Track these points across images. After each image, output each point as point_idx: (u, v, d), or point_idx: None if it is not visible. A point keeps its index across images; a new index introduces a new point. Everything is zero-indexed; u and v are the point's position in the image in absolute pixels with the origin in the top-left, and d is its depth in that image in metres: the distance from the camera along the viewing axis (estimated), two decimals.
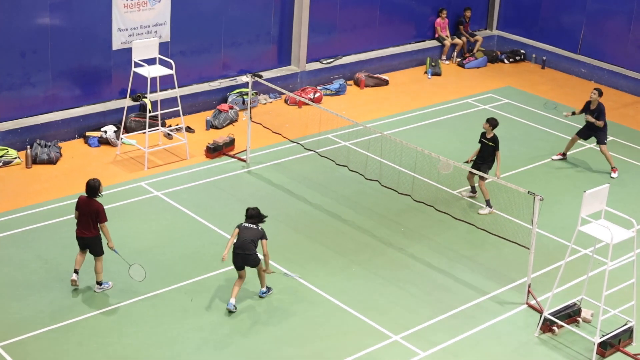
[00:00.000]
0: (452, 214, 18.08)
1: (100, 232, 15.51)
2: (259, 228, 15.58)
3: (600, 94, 21.52)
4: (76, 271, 15.76)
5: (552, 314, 15.47)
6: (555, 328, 15.47)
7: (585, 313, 15.87)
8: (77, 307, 15.31)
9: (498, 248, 17.84)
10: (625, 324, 15.35)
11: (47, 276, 16.14)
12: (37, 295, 15.58)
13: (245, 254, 15.36)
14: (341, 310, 15.81)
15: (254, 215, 15.70)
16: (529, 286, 16.28)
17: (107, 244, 15.57)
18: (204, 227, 18.13)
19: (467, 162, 19.48)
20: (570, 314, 15.73)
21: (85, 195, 15.47)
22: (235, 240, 15.44)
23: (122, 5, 21.96)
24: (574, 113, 22.19)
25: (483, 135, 19.44)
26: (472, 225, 17.63)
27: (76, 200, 15.62)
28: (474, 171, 18.61)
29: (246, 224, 15.58)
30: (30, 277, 16.10)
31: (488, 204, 19.46)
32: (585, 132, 21.94)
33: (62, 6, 21.13)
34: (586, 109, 21.72)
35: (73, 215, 15.81)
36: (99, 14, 21.73)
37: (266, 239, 15.54)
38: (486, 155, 19.40)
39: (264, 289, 15.96)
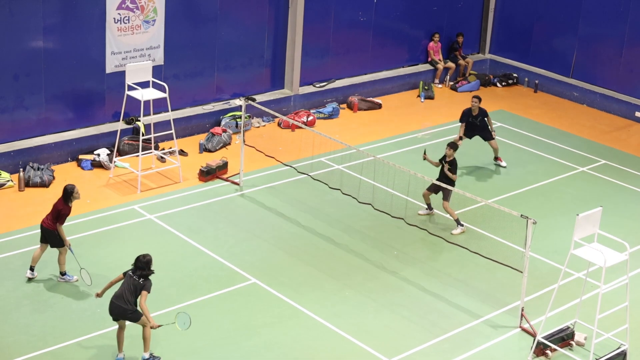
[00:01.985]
0: (445, 237, 18.09)
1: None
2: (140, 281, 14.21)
3: (480, 100, 22.59)
4: (32, 268, 16.66)
5: (546, 338, 15.45)
6: (548, 352, 15.46)
7: (578, 336, 15.86)
8: (70, 331, 15.24)
9: (491, 271, 17.84)
10: (619, 347, 15.34)
11: (38, 299, 16.09)
12: (29, 318, 15.52)
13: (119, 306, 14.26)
14: (334, 334, 15.77)
15: (141, 267, 14.30)
16: (522, 310, 16.27)
17: (65, 244, 16.46)
18: (197, 250, 18.10)
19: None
20: (564, 338, 15.72)
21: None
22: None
23: (116, 29, 22.00)
24: (461, 138, 22.43)
25: (444, 157, 19.61)
26: (466, 249, 17.63)
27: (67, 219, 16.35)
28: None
29: (130, 273, 14.31)
30: (21, 301, 16.04)
31: (458, 222, 19.51)
32: (470, 133, 22.83)
33: (55, 29, 21.16)
34: (467, 116, 22.61)
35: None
36: (93, 37, 21.77)
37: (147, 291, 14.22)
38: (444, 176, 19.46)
39: (146, 355, 14.56)
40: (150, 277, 14.24)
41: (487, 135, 22.88)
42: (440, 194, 19.52)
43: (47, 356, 14.65)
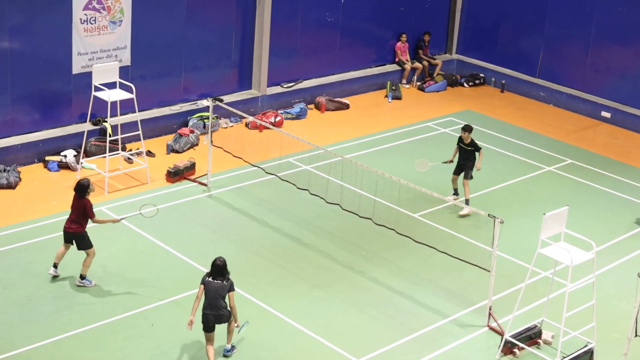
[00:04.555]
0: (413, 237, 18.12)
1: (85, 229, 16.40)
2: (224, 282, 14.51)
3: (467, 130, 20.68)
4: (55, 265, 16.63)
5: (513, 336, 15.52)
6: (516, 350, 15.53)
7: (546, 335, 15.95)
8: (35, 334, 15.15)
9: (459, 271, 17.90)
10: (586, 346, 15.44)
11: (5, 302, 15.98)
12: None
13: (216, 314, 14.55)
14: (303, 334, 15.78)
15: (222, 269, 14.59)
16: (490, 309, 16.34)
17: (113, 222, 17.03)
18: (164, 251, 18.05)
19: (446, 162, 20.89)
20: (531, 336, 15.80)
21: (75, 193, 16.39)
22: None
23: (83, 29, 21.89)
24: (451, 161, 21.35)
25: (461, 140, 20.58)
26: (433, 249, 17.68)
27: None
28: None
29: (211, 279, 14.50)
30: None
31: (467, 202, 20.13)
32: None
33: (21, 30, 21.03)
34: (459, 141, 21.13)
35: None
36: (59, 38, 21.65)
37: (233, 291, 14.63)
38: (468, 157, 20.57)
39: (229, 346, 15.09)
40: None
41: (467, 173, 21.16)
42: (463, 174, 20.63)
43: (12, 359, 14.57)
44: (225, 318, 14.57)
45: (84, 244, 16.44)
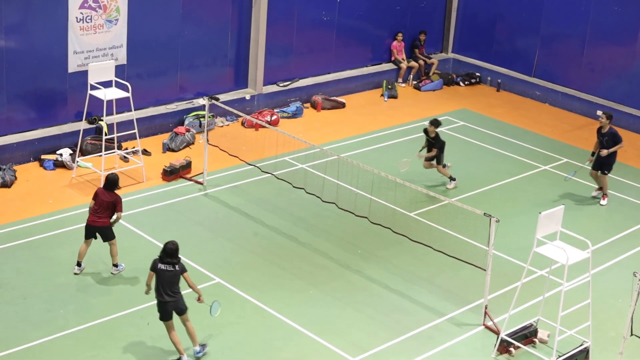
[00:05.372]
0: (409, 235, 18.13)
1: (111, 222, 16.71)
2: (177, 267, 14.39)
3: (609, 117, 21.42)
4: (79, 264, 16.84)
5: (509, 335, 15.53)
6: (512, 349, 15.54)
7: (541, 334, 15.96)
8: (30, 333, 15.14)
9: (455, 270, 17.91)
10: (581, 345, 15.46)
11: (0, 301, 15.95)
12: None
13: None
14: (299, 333, 15.77)
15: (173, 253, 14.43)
16: (486, 307, 16.35)
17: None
18: (160, 250, 18.00)
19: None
20: (527, 335, 15.81)
21: (104, 188, 16.71)
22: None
23: (78, 28, 21.87)
24: (593, 154, 21.67)
25: (426, 132, 21.58)
26: (429, 247, 17.68)
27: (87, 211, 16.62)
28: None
29: (163, 266, 14.35)
30: None
31: (451, 178, 21.70)
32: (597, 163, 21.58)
33: (17, 29, 21.00)
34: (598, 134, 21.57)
35: (88, 206, 16.75)
36: (55, 37, 21.63)
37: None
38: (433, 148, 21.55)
39: (197, 348, 14.84)
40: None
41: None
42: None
43: (9, 358, 14.53)
44: (182, 304, 14.42)
45: (110, 235, 16.79)
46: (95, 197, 16.65)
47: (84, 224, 16.76)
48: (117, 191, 16.81)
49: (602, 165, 21.40)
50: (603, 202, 21.59)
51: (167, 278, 14.28)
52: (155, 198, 20.19)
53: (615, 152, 21.41)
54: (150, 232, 18.60)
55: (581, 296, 16.10)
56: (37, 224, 18.59)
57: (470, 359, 15.50)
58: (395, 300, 17.04)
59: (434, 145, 21.46)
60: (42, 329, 15.23)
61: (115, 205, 16.62)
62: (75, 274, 16.82)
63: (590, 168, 21.74)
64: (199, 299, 14.69)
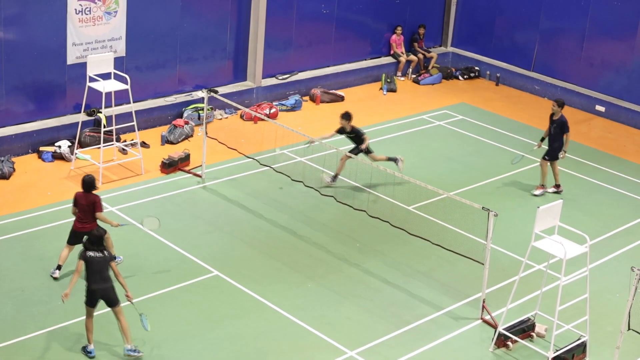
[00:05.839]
0: (407, 229, 18.13)
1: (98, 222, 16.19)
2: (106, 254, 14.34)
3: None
4: (59, 267, 16.40)
5: (507, 329, 15.55)
6: (509, 343, 15.56)
7: (539, 328, 15.98)
8: (28, 325, 15.14)
9: (453, 264, 17.92)
10: (579, 339, 15.47)
11: None
12: None
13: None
14: (297, 326, 15.79)
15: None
16: (484, 301, 16.36)
17: (112, 225, 16.33)
18: (159, 242, 18.04)
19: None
20: (525, 329, 15.82)
21: (82, 190, 16.12)
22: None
23: (77, 20, 21.85)
24: (542, 140, 21.78)
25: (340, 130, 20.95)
26: (427, 241, 17.69)
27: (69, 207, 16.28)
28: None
29: (91, 254, 14.24)
30: None
31: (336, 175, 20.75)
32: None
33: (16, 20, 20.98)
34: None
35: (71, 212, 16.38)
36: (54, 28, 21.60)
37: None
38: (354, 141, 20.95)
39: (130, 346, 14.54)
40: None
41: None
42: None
43: (8, 349, 14.53)
44: (112, 294, 14.31)
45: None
46: (75, 202, 16.15)
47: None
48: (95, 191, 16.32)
49: (547, 151, 21.39)
50: (536, 192, 21.43)
51: (96, 265, 14.18)
52: (154, 190, 20.18)
53: (561, 140, 21.21)
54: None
55: (579, 290, 16.13)
56: (36, 216, 18.59)
57: (467, 352, 15.52)
58: (393, 293, 17.05)
59: (358, 138, 20.78)
60: (41, 321, 15.23)
61: (94, 206, 16.10)
62: (55, 277, 16.38)
63: (540, 156, 21.58)
64: (127, 295, 14.51)
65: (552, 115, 21.23)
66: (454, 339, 15.83)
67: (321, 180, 20.71)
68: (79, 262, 14.25)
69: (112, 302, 14.40)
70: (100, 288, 14.24)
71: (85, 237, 14.74)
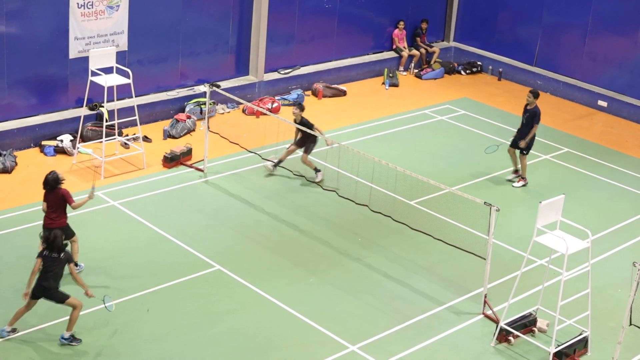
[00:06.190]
0: (409, 224, 18.14)
1: (67, 221, 16.06)
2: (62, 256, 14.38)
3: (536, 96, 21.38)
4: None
5: (508, 324, 15.55)
6: (511, 338, 15.56)
7: (541, 323, 15.98)
8: (30, 318, 15.14)
9: (455, 258, 17.92)
10: (580, 334, 15.47)
11: (0, 286, 15.97)
12: None
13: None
14: (298, 321, 15.79)
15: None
16: (485, 296, 16.36)
17: (90, 199, 16.19)
18: (160, 237, 18.05)
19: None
20: (526, 324, 15.83)
21: (46, 190, 15.93)
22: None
23: (79, 14, 21.84)
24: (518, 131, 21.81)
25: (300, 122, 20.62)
26: (429, 236, 17.69)
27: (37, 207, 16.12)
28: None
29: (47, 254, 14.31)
30: None
31: (316, 170, 20.69)
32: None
33: (18, 14, 20.97)
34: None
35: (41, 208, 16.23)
36: (56, 23, 21.60)
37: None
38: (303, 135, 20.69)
39: (68, 335, 14.63)
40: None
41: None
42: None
43: (12, 342, 14.55)
44: (56, 294, 14.35)
45: (70, 233, 16.15)
46: (45, 198, 15.99)
47: (85, 210, 16.70)
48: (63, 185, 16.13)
49: (513, 140, 21.50)
50: (517, 184, 21.57)
51: (50, 265, 14.24)
52: (156, 185, 20.19)
53: (534, 134, 21.30)
54: (150, 219, 18.61)
55: (581, 286, 16.12)
56: (38, 210, 18.53)
57: (469, 347, 15.52)
58: (394, 288, 17.05)
59: (305, 133, 20.51)
60: (42, 315, 15.23)
61: (65, 200, 15.93)
62: None
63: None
64: (86, 293, 14.55)
65: (526, 105, 21.33)
66: (456, 334, 15.84)
67: (265, 168, 20.92)
68: (37, 261, 14.32)
69: (57, 301, 14.47)
70: (45, 286, 14.30)
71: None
